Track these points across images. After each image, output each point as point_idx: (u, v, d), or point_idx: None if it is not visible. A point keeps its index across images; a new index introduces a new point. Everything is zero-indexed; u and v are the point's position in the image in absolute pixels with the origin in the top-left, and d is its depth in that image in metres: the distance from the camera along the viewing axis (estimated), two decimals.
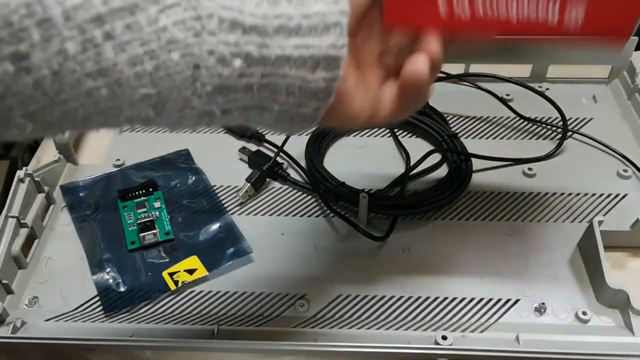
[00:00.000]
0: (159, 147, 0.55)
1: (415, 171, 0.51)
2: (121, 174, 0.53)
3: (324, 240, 0.47)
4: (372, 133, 0.57)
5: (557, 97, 0.58)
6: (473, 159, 0.52)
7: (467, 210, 0.49)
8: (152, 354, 0.40)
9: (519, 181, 0.52)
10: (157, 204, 0.49)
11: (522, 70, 0.62)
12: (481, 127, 0.58)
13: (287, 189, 0.52)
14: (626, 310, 0.40)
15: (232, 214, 0.49)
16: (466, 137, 0.56)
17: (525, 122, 0.58)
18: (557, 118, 0.57)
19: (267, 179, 0.52)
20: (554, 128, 0.57)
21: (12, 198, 0.46)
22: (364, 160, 0.54)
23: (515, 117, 0.58)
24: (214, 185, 0.52)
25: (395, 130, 0.57)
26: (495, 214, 0.49)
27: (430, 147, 0.55)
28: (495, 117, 0.59)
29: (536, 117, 0.58)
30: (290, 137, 0.53)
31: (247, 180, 0.50)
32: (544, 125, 0.57)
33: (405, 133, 0.57)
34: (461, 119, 0.59)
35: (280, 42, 0.25)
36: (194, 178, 0.52)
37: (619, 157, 0.54)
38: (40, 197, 0.48)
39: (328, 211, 0.49)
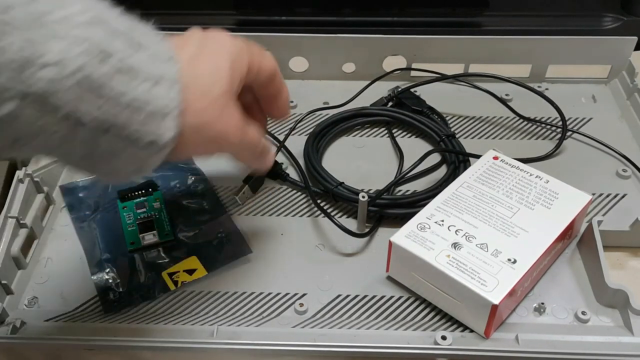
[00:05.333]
0: None
1: (414, 171, 0.51)
2: None
3: (323, 240, 0.47)
4: (372, 133, 0.57)
5: (557, 97, 0.58)
6: (472, 159, 0.52)
7: None
8: (152, 354, 0.40)
9: None
10: (156, 204, 0.49)
11: (521, 70, 0.62)
12: (480, 127, 0.58)
13: (286, 188, 0.52)
14: (625, 310, 0.40)
15: (232, 214, 0.49)
16: (465, 137, 0.56)
17: (525, 122, 0.58)
18: (556, 118, 0.57)
19: (267, 179, 0.52)
20: (553, 128, 0.57)
21: (12, 198, 0.46)
22: (363, 160, 0.54)
23: (514, 117, 0.58)
24: (214, 186, 0.52)
25: (394, 130, 0.57)
26: None
27: (428, 147, 0.55)
28: (494, 117, 0.59)
29: (535, 117, 0.58)
30: (290, 136, 0.53)
31: (244, 181, 0.50)
32: (543, 125, 0.58)
33: (403, 133, 0.57)
34: (460, 119, 0.59)
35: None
36: (193, 178, 0.52)
37: (618, 156, 0.54)
38: (39, 198, 0.48)
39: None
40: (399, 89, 0.60)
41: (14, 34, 0.24)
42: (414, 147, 0.55)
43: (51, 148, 0.28)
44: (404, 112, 0.57)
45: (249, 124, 0.37)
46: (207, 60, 0.34)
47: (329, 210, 0.49)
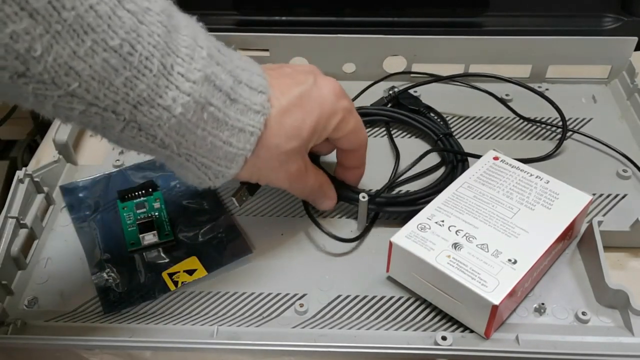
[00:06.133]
0: None
1: (413, 171, 0.51)
2: (121, 175, 0.53)
3: (323, 240, 0.47)
4: (372, 133, 0.57)
5: (557, 97, 0.58)
6: (471, 159, 0.52)
7: None
8: (152, 354, 0.40)
9: None
10: (156, 205, 0.49)
11: (521, 70, 0.62)
12: (480, 127, 0.58)
13: None
14: (626, 311, 0.40)
15: (232, 214, 0.49)
16: (465, 137, 0.56)
17: (525, 122, 0.58)
18: (556, 118, 0.57)
19: None
20: (553, 128, 0.57)
21: (12, 198, 0.46)
22: None
23: (514, 117, 0.58)
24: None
25: (392, 130, 0.57)
26: None
27: (427, 146, 0.55)
28: (494, 117, 0.59)
29: (536, 117, 0.58)
30: None
31: (242, 183, 0.50)
32: (543, 125, 0.58)
33: (402, 133, 0.57)
34: (461, 119, 0.59)
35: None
36: None
37: (618, 157, 0.54)
38: (39, 198, 0.48)
39: (328, 211, 0.49)
40: (398, 90, 0.60)
41: (146, 78, 0.30)
42: (413, 146, 0.55)
43: (142, 152, 0.35)
44: (400, 112, 0.57)
45: (307, 172, 0.42)
46: (296, 115, 0.38)
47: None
